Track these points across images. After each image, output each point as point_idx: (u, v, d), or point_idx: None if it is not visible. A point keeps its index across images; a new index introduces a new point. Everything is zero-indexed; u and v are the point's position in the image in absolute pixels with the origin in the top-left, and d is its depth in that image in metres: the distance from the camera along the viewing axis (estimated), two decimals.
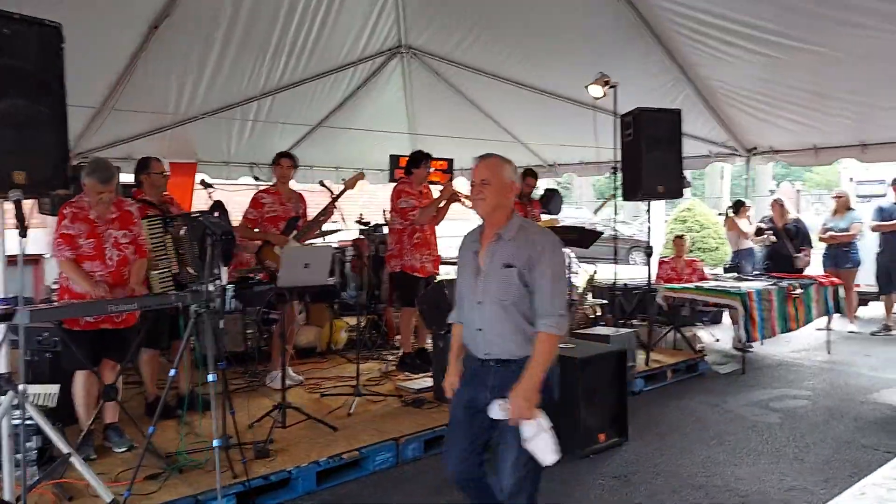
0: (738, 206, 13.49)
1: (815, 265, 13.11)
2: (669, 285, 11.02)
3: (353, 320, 10.53)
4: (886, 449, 7.04)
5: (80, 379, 6.17)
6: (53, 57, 5.08)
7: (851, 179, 16.29)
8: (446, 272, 10.36)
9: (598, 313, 11.68)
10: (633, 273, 12.03)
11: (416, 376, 8.88)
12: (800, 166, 17.30)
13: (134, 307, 5.96)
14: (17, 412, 4.79)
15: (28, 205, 4.68)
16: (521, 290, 4.10)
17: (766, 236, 12.92)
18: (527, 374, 4.01)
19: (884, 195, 14.17)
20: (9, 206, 4.63)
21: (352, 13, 10.62)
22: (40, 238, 8.82)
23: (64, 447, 4.97)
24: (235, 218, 8.27)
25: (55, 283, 6.49)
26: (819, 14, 8.23)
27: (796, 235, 12.62)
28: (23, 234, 4.43)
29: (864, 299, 14.28)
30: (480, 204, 4.26)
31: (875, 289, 13.39)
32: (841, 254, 12.97)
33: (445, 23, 11.23)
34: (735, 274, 12.40)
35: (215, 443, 5.27)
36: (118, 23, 8.84)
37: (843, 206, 13.16)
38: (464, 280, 4.40)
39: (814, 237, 13.12)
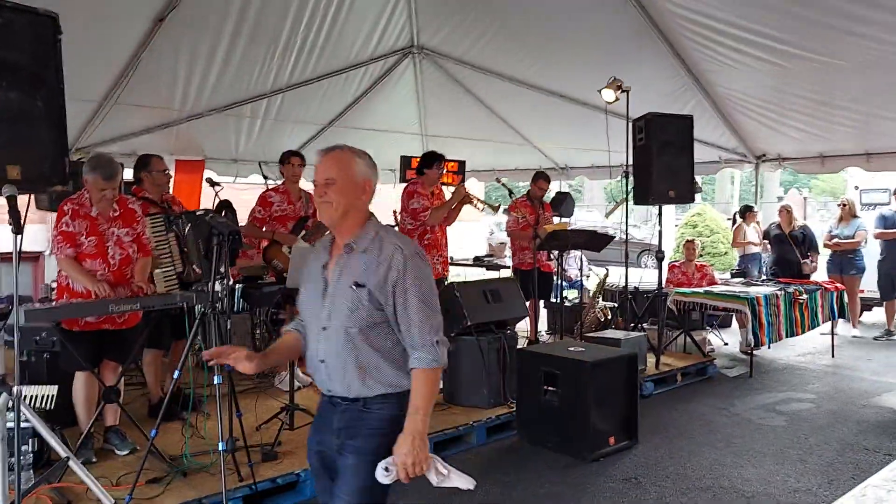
0: (745, 212, 13.38)
1: (819, 271, 13.04)
2: (680, 289, 10.80)
3: None
4: (887, 451, 6.97)
5: (79, 380, 5.87)
6: (49, 48, 4.76)
7: (856, 187, 16.10)
8: (456, 274, 10.07)
9: (609, 316, 11.48)
10: (644, 276, 11.85)
11: None
12: (807, 174, 17.19)
13: (136, 307, 5.67)
14: (11, 415, 4.46)
15: (22, 200, 4.33)
16: (372, 316, 3.26)
17: (764, 244, 13.08)
18: (408, 425, 3.17)
19: (887, 203, 13.92)
20: (2, 202, 4.28)
21: (363, 11, 10.36)
22: (40, 235, 8.55)
23: (62, 450, 4.67)
24: (243, 217, 8.03)
25: (54, 281, 6.17)
26: (824, 24, 8.11)
27: (803, 242, 12.56)
28: (17, 230, 4.10)
29: (867, 305, 14.16)
30: (325, 209, 3.37)
31: (877, 295, 13.26)
32: (846, 260, 12.86)
33: (458, 24, 10.96)
34: (742, 279, 12.20)
35: (220, 446, 5.01)
36: (122, 14, 8.53)
37: (848, 214, 13.02)
38: (308, 300, 3.49)
39: (819, 243, 12.97)
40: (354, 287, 3.27)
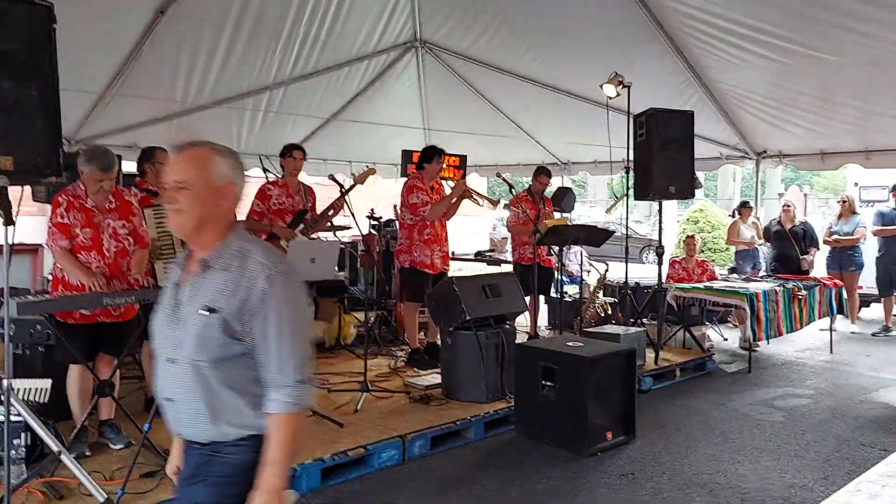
0: (741, 208, 13.53)
1: (819, 267, 12.98)
2: (680, 285, 10.77)
3: (362, 315, 10.14)
4: (883, 447, 6.92)
5: (74, 373, 5.77)
6: (44, 38, 4.66)
7: (856, 184, 16.05)
8: (457, 268, 10.00)
9: (609, 312, 11.39)
10: (646, 272, 11.80)
11: (424, 372, 8.53)
12: (807, 170, 17.17)
13: (132, 300, 5.56)
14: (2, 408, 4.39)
15: (17, 192, 4.27)
16: (226, 348, 2.69)
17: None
18: (263, 480, 2.66)
19: (886, 200, 13.87)
20: None
21: (366, 5, 10.29)
22: (40, 227, 8.47)
23: (53, 445, 4.60)
24: (244, 209, 7.94)
25: (51, 274, 6.10)
26: (825, 21, 8.10)
27: (803, 238, 12.43)
28: (8, 222, 4.03)
29: (866, 301, 14.13)
30: (175, 218, 2.74)
31: (876, 291, 13.19)
32: (845, 257, 12.78)
33: (461, 18, 10.89)
34: (736, 274, 12.19)
35: None
36: (123, 6, 8.48)
37: (847, 211, 12.97)
38: (157, 325, 2.88)
39: (819, 240, 12.89)
40: (206, 312, 2.69)
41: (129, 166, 8.68)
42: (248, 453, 2.74)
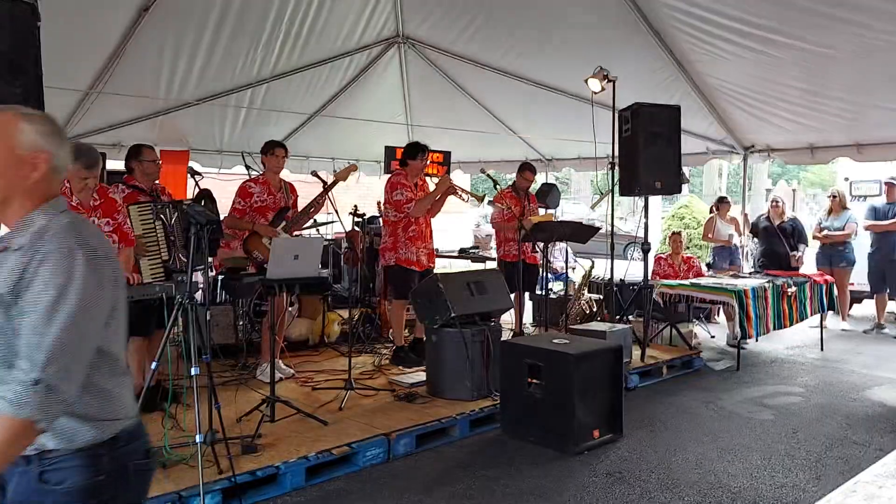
0: (719, 203, 13.67)
1: (809, 263, 13.00)
2: (666, 281, 10.84)
3: (346, 312, 10.19)
4: (877, 446, 6.92)
5: None
6: (28, 36, 4.74)
7: (846, 179, 16.07)
8: (442, 265, 10.06)
9: (595, 309, 11.46)
10: (631, 269, 11.84)
11: (409, 370, 8.63)
12: (796, 165, 17.17)
13: None
14: None
15: None
16: (11, 341, 2.26)
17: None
18: None
19: (878, 195, 13.94)
20: None
21: (348, 0, 10.32)
22: None
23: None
24: (227, 207, 8.02)
25: None
26: (815, 12, 8.08)
27: (792, 234, 12.51)
28: None
29: (857, 298, 14.17)
30: None
31: (867, 288, 13.25)
32: (835, 253, 12.83)
33: (443, 14, 10.93)
34: (712, 270, 12.31)
35: (198, 438, 5.01)
36: (107, 3, 8.54)
37: (838, 206, 13.01)
38: None
39: (808, 236, 12.96)
40: None
41: (113, 164, 8.68)
42: (81, 473, 2.37)
